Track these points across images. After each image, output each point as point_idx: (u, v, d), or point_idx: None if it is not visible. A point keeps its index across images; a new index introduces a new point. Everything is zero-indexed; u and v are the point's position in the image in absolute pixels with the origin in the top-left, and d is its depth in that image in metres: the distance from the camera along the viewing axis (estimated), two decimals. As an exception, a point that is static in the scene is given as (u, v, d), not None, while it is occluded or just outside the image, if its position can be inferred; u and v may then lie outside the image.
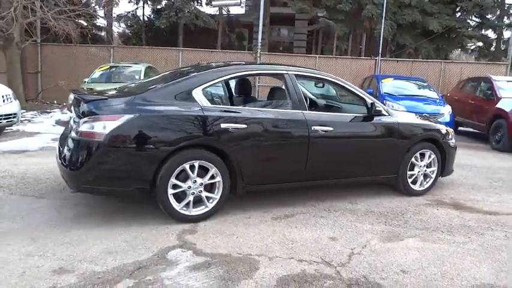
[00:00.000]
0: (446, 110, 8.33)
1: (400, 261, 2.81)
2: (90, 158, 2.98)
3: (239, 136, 3.33)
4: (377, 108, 3.92)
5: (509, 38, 16.47)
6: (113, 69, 9.88)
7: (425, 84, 9.71)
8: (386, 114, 4.09)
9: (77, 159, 3.02)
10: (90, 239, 2.91)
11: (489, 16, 16.14)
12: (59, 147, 3.55)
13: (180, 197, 3.24)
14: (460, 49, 18.30)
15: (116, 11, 18.17)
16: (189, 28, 17.35)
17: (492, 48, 16.92)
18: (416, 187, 4.40)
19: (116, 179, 3.06)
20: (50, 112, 10.52)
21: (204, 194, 3.30)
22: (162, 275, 2.47)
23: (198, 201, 3.31)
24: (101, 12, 17.10)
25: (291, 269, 2.62)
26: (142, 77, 9.44)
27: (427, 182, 4.48)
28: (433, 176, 4.49)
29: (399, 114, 4.37)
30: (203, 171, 3.28)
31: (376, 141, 4.05)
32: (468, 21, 16.56)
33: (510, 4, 16.10)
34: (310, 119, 3.66)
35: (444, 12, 15.64)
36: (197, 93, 3.31)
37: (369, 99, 4.04)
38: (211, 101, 3.38)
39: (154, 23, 20.22)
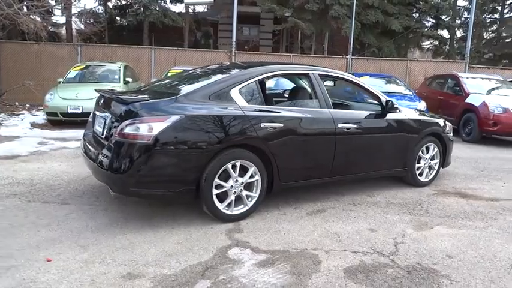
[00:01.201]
0: (422, 106, 8.83)
1: (441, 247, 3.03)
2: (137, 160, 2.92)
3: (276, 135, 3.40)
4: (394, 106, 4.15)
5: (462, 37, 17.74)
6: (89, 68, 9.48)
7: (398, 81, 10.23)
8: (399, 111, 4.33)
9: (123, 162, 2.94)
10: (142, 243, 2.87)
11: (444, 17, 17.26)
12: (88, 151, 3.43)
13: (220, 197, 3.25)
14: (416, 48, 19.39)
15: (75, 7, 17.29)
16: (155, 26, 16.97)
17: (447, 47, 18.09)
18: (423, 178, 4.70)
19: (164, 181, 3.03)
20: (18, 114, 9.87)
21: (245, 193, 3.34)
22: (234, 273, 2.50)
23: (237, 200, 3.35)
24: (58, 8, 16.23)
25: (350, 261, 2.74)
26: (121, 77, 9.18)
27: (431, 174, 4.80)
28: (436, 167, 4.82)
29: (406, 110, 4.63)
30: (242, 170, 3.32)
31: (391, 136, 4.27)
32: (424, 21, 17.60)
33: (461, 6, 17.32)
34: (336, 117, 3.80)
35: (404, 13, 16.50)
36: (235, 93, 3.34)
37: (384, 98, 4.26)
38: (247, 101, 3.40)
39: (116, 20, 19.59)
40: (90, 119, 3.90)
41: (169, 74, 9.64)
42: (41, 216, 3.31)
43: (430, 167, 4.77)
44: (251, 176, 3.35)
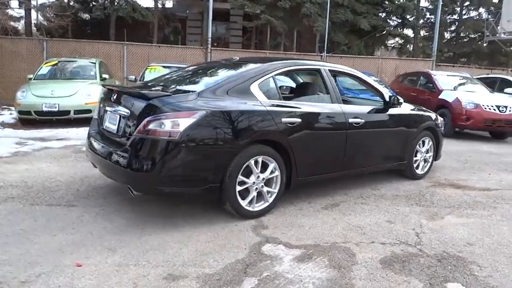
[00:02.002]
0: (399, 102, 9.14)
1: (458, 236, 3.16)
2: (163, 158, 2.81)
3: (296, 130, 3.40)
4: (400, 101, 4.27)
5: (424, 36, 18.55)
6: (62, 64, 9.01)
7: (375, 79, 10.52)
8: (400, 106, 4.46)
9: (147, 161, 2.82)
10: (172, 243, 2.77)
11: (408, 17, 17.97)
12: (98, 150, 3.26)
13: (241, 193, 3.21)
14: (382, 46, 20.06)
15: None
16: (122, 21, 16.39)
17: (411, 46, 18.86)
18: (419, 171, 4.88)
19: (190, 178, 2.94)
20: (-19, 114, 9.22)
21: (265, 189, 3.32)
22: (276, 269, 2.47)
23: (257, 196, 3.31)
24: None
25: (382, 252, 2.80)
26: (98, 73, 8.81)
27: (425, 167, 4.98)
28: (430, 160, 5.02)
29: (405, 105, 4.77)
30: (261, 166, 3.29)
31: (394, 130, 4.40)
32: (389, 21, 18.24)
33: (424, 7, 18.12)
34: (346, 112, 3.86)
35: (372, 13, 17.02)
36: (255, 88, 3.30)
37: (387, 93, 4.38)
38: (266, 96, 3.37)
39: (78, 14, 18.73)
40: (95, 116, 3.71)
41: (147, 71, 9.39)
42: (52, 219, 3.12)
43: (425, 160, 4.96)
44: (271, 172, 3.33)
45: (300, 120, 3.42)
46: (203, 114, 2.90)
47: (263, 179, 3.27)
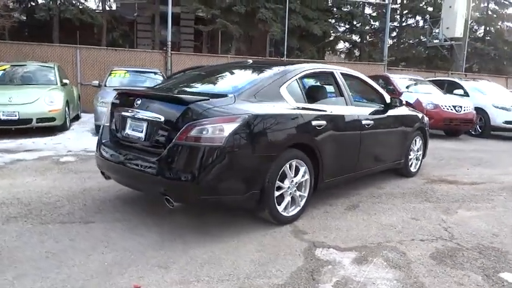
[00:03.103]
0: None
1: (481, 228, 3.35)
2: (208, 165, 2.65)
3: (323, 133, 3.39)
4: (403, 102, 4.45)
5: (370, 42, 19.57)
6: (16, 68, 8.19)
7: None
8: (400, 106, 4.64)
9: (190, 169, 2.65)
10: (222, 255, 2.62)
11: (355, 23, 18.89)
12: (119, 159, 3.01)
13: (277, 199, 3.12)
14: (331, 51, 20.85)
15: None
16: (65, 23, 15.35)
17: (357, 50, 19.82)
18: (412, 169, 5.12)
19: (234, 185, 2.80)
20: None
21: (298, 193, 3.27)
22: (342, 274, 2.44)
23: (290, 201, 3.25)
24: None
25: (428, 248, 2.88)
26: (58, 78, 8.16)
27: (417, 164, 5.24)
28: (420, 158, 5.29)
29: (402, 107, 4.96)
30: (294, 170, 3.24)
31: (396, 131, 4.57)
32: (338, 27, 19.04)
33: (368, 14, 19.16)
34: (359, 114, 3.94)
35: (322, 19, 17.63)
36: (284, 92, 3.25)
37: (387, 95, 4.54)
38: (294, 99, 3.32)
39: (12, 15, 17.20)
40: (106, 123, 3.41)
41: (111, 76, 8.89)
42: (75, 239, 2.81)
43: (417, 158, 5.21)
44: (302, 176, 3.29)
45: (325, 122, 3.42)
46: (245, 118, 2.79)
47: (296, 183, 3.23)
